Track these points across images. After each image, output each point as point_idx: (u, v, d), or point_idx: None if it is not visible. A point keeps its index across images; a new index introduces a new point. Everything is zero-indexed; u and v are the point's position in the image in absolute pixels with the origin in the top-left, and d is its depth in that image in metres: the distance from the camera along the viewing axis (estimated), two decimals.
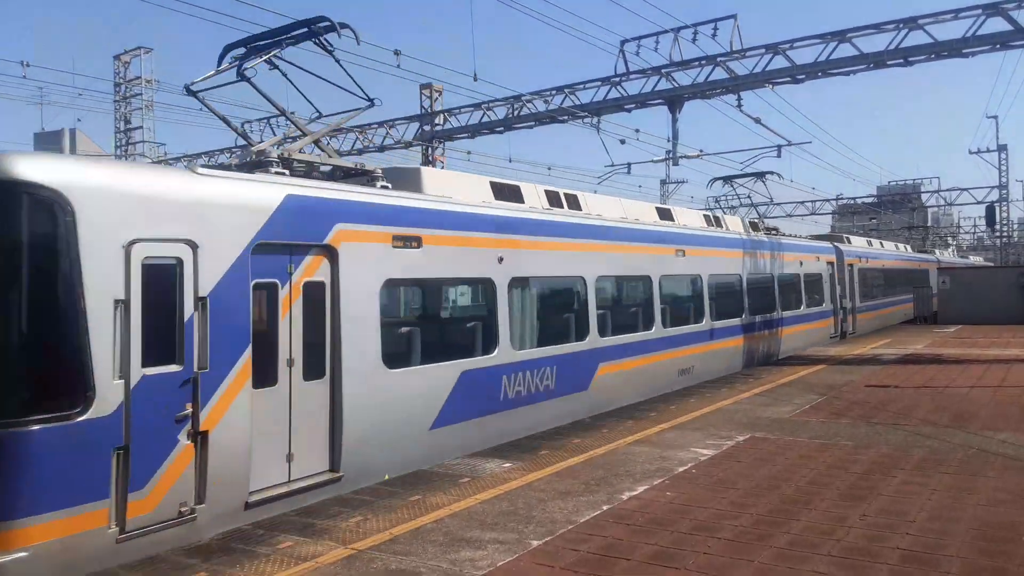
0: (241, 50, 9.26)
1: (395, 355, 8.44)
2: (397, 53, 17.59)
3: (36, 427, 5.52)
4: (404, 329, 8.96)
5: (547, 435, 10.17)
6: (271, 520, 6.77)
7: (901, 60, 18.11)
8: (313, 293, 7.58)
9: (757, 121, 21.24)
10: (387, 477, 8.05)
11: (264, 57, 9.06)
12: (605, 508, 6.86)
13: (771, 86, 20.10)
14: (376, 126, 28.20)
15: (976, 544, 5.72)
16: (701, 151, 24.64)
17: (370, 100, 9.85)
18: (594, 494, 7.32)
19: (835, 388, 13.75)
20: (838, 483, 7.47)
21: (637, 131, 24.66)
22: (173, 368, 6.29)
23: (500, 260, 10.25)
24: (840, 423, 10.52)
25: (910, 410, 11.33)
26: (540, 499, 7.20)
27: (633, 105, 21.94)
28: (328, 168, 9.24)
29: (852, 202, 52.34)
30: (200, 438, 6.41)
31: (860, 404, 12.00)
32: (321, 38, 9.15)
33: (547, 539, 6.10)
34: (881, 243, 34.45)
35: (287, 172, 8.16)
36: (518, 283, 10.59)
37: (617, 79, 21.86)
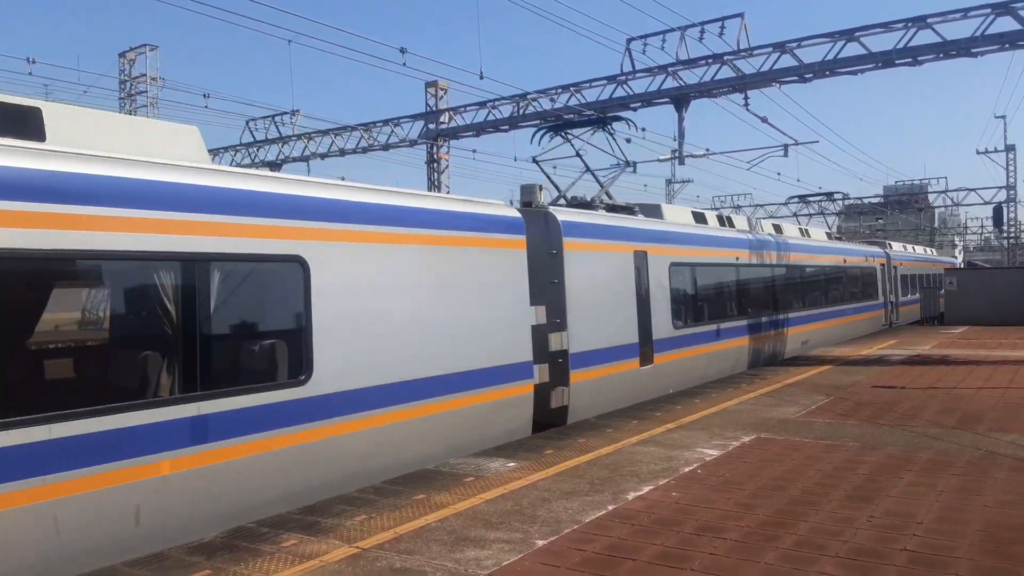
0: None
1: None
2: (403, 51, 17.58)
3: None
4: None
5: (552, 434, 10.14)
6: (276, 518, 6.77)
7: (909, 59, 18.07)
8: None
9: (764, 120, 21.20)
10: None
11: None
12: (610, 508, 6.83)
13: (778, 85, 20.06)
14: (381, 124, 28.20)
15: (984, 546, 5.67)
16: (707, 150, 24.67)
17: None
18: (599, 494, 7.29)
19: (841, 389, 13.69)
20: (845, 484, 7.43)
21: (643, 130, 24.62)
22: None
23: None
24: (847, 424, 10.47)
25: (917, 411, 11.27)
26: (545, 498, 7.17)
27: (639, 104, 21.94)
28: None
29: (859, 202, 52.17)
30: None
31: (867, 405, 11.94)
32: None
33: (552, 539, 6.07)
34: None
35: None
36: None
37: (623, 78, 21.86)
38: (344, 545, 6.02)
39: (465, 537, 6.15)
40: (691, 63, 20.59)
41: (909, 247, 39.21)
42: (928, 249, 45.48)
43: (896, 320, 30.54)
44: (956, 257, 55.60)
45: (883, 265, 29.42)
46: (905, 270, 33.08)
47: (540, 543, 5.97)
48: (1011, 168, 44.87)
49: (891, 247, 33.28)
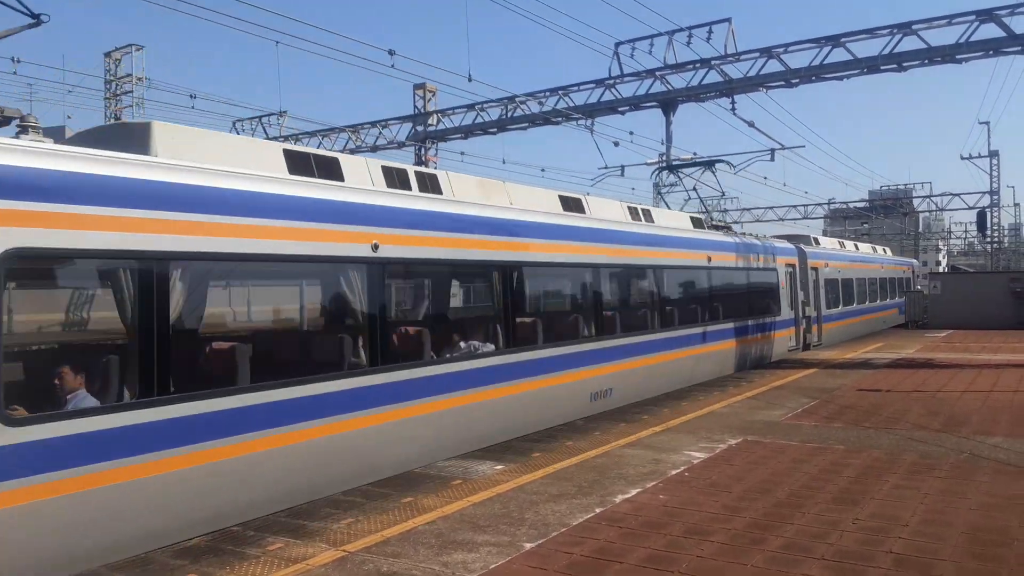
0: None
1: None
2: (391, 53, 17.54)
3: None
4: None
5: (539, 436, 10.14)
6: (262, 521, 6.72)
7: (894, 65, 18.23)
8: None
9: (751, 125, 21.33)
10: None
11: None
12: (598, 511, 6.83)
13: (765, 90, 20.19)
14: (369, 126, 28.16)
15: (969, 548, 5.72)
16: (695, 154, 24.72)
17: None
18: (587, 497, 7.29)
19: (827, 392, 13.76)
20: (831, 487, 7.46)
21: (631, 133, 24.81)
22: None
23: None
24: (832, 427, 10.52)
25: (902, 414, 11.35)
26: (533, 501, 7.17)
27: (627, 107, 22.02)
28: None
29: (844, 207, 52.58)
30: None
31: (852, 408, 12.01)
32: None
33: (540, 542, 6.06)
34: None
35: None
36: None
37: (611, 81, 21.93)
38: (331, 548, 5.99)
39: (452, 540, 6.13)
40: (679, 67, 20.69)
41: (848, 244, 29.83)
42: (881, 248, 35.91)
43: (817, 341, 22.77)
44: (941, 261, 55.99)
45: (792, 266, 21.00)
46: (833, 273, 24.71)
47: (528, 546, 5.97)
48: (995, 173, 45.25)
49: (816, 243, 25.16)
